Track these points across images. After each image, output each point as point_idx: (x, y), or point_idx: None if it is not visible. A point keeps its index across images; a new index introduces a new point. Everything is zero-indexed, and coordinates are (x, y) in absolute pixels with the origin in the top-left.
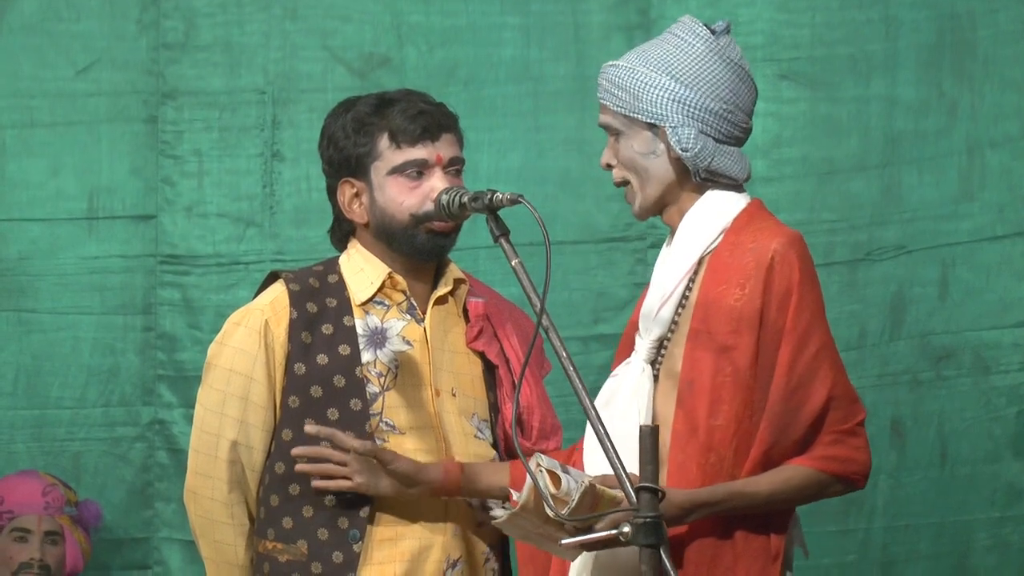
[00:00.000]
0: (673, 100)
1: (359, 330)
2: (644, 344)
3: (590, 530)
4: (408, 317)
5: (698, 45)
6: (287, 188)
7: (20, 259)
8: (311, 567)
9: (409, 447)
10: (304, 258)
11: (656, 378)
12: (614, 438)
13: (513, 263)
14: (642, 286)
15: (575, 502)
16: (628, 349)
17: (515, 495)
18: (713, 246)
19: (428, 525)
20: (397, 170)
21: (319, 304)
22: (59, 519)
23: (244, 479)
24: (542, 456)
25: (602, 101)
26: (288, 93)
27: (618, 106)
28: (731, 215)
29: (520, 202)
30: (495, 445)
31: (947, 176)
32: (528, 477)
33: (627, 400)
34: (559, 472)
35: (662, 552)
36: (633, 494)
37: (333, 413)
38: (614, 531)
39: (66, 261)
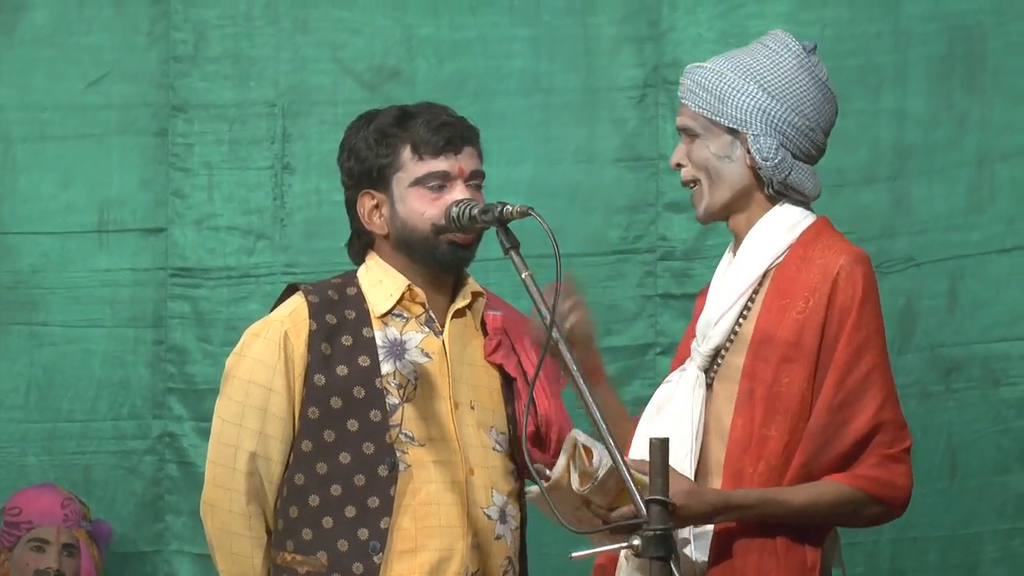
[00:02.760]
0: (758, 109)
1: (378, 341)
2: (700, 352)
3: (603, 542)
4: (426, 330)
5: (789, 59)
6: (297, 201)
7: (31, 272)
8: None
9: (428, 459)
10: (315, 271)
11: (710, 386)
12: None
13: (523, 276)
14: (651, 298)
15: (599, 479)
16: (684, 358)
17: (548, 472)
18: (780, 259)
19: (447, 537)
20: (419, 182)
21: (338, 316)
22: (76, 532)
23: (262, 491)
24: (580, 432)
25: (683, 101)
26: (298, 106)
27: (700, 107)
28: (799, 229)
29: (530, 214)
30: (513, 458)
31: (957, 188)
32: (562, 454)
33: (679, 407)
34: (595, 449)
35: (672, 565)
36: (643, 506)
37: (353, 424)
38: (625, 544)
39: (77, 274)
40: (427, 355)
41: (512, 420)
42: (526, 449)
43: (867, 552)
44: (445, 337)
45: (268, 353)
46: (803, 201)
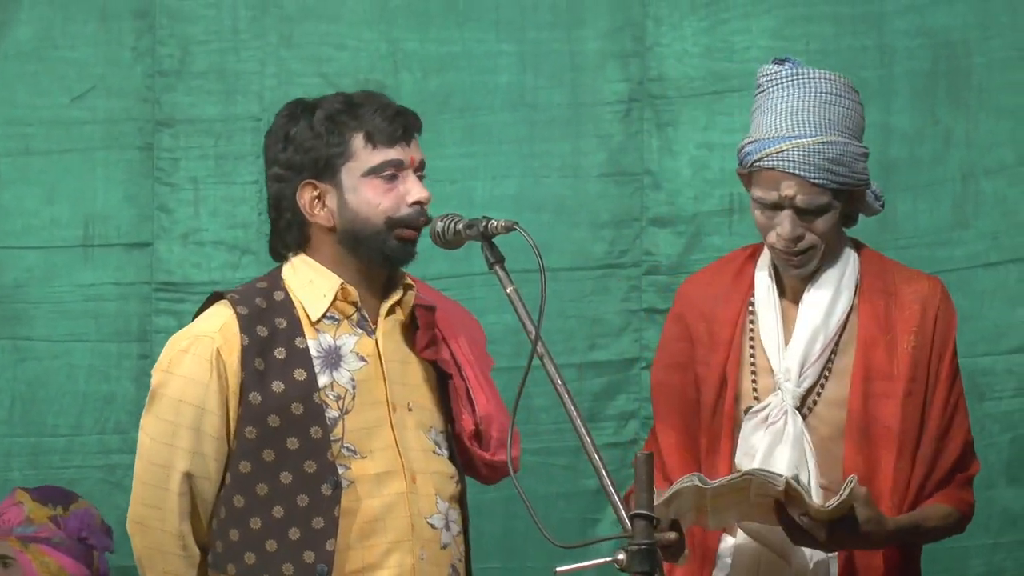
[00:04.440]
0: (865, 161)
1: (313, 351)
2: (795, 391)
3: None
4: (359, 331)
5: (857, 98)
6: None
7: (16, 287)
8: None
9: (371, 472)
10: None
11: (803, 418)
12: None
13: (508, 290)
14: (636, 313)
15: (843, 497)
16: (681, 400)
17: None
18: (857, 293)
19: (395, 554)
20: (373, 171)
21: (269, 326)
22: (9, 541)
23: (195, 510)
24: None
25: (814, 181)
26: None
27: (838, 182)
28: (856, 261)
29: (515, 229)
30: (452, 458)
31: (942, 203)
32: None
33: (788, 454)
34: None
35: None
36: (628, 522)
37: (293, 443)
38: (609, 558)
39: (61, 289)
40: (362, 359)
41: (449, 417)
42: (510, 464)
43: None
44: (378, 336)
45: (199, 371)
46: None
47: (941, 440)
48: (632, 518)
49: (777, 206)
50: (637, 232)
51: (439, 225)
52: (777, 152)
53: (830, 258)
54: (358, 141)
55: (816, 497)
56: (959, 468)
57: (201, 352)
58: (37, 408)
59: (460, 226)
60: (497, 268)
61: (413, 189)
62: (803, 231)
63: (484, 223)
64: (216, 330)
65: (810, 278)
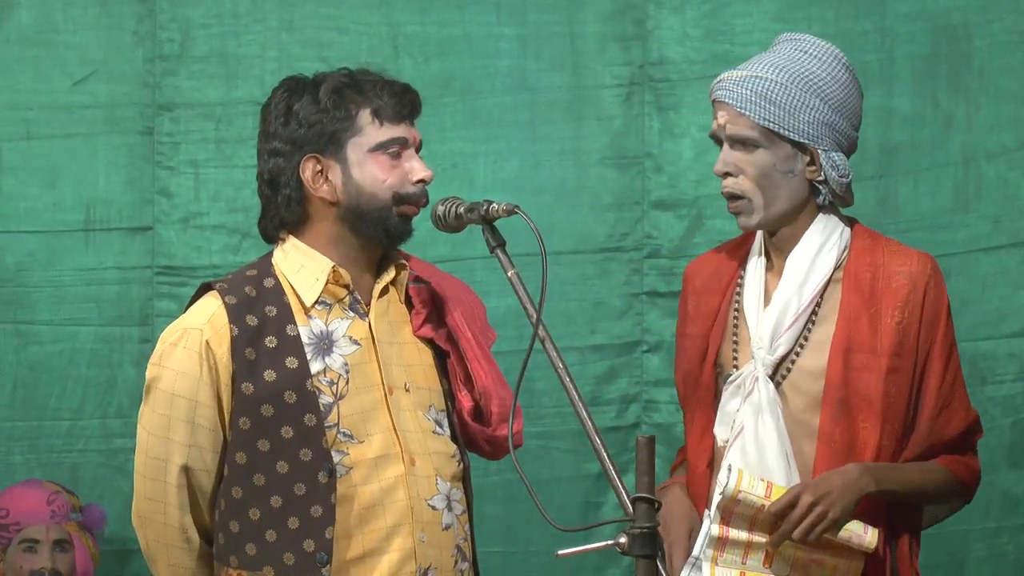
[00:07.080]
0: (826, 124)
1: (304, 338)
2: (767, 359)
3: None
4: (351, 314)
5: (843, 72)
6: None
7: (17, 271)
8: None
9: (368, 456)
10: None
11: (776, 387)
12: (763, 461)
13: (509, 274)
14: (638, 296)
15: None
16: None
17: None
18: (842, 265)
19: (395, 538)
20: (380, 147)
21: (259, 315)
22: (66, 526)
23: (196, 501)
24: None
25: (739, 110)
26: None
27: (766, 120)
28: (847, 234)
29: (516, 213)
30: (454, 437)
31: (943, 187)
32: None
33: (767, 422)
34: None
35: (659, 564)
36: (630, 505)
37: (287, 431)
38: (610, 541)
39: (63, 272)
40: (356, 342)
41: (449, 395)
42: (511, 439)
43: None
44: (371, 319)
45: (189, 364)
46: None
47: (939, 419)
48: (634, 501)
49: (718, 140)
50: (638, 215)
51: (440, 209)
52: (717, 83)
53: (810, 228)
54: (365, 116)
55: (781, 473)
56: (961, 440)
57: (190, 345)
58: (39, 392)
59: (461, 209)
60: (498, 251)
61: (417, 167)
62: (733, 167)
63: (485, 206)
64: (204, 322)
65: (791, 249)
